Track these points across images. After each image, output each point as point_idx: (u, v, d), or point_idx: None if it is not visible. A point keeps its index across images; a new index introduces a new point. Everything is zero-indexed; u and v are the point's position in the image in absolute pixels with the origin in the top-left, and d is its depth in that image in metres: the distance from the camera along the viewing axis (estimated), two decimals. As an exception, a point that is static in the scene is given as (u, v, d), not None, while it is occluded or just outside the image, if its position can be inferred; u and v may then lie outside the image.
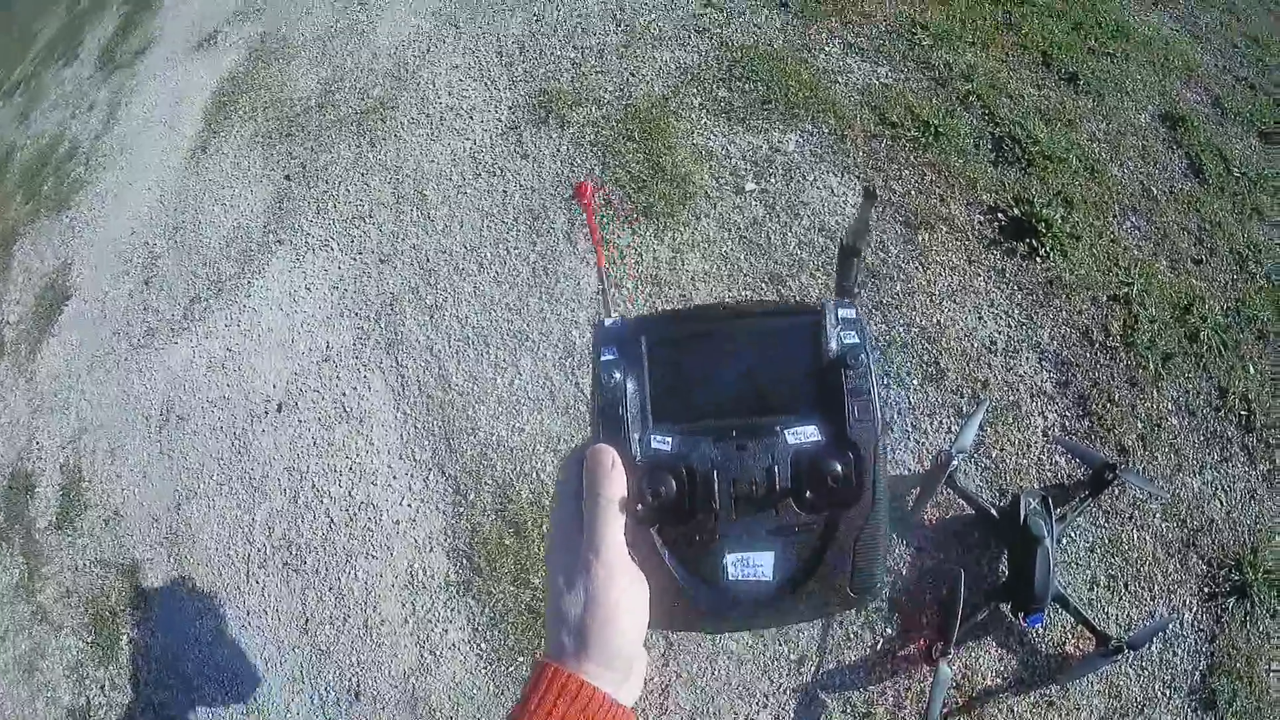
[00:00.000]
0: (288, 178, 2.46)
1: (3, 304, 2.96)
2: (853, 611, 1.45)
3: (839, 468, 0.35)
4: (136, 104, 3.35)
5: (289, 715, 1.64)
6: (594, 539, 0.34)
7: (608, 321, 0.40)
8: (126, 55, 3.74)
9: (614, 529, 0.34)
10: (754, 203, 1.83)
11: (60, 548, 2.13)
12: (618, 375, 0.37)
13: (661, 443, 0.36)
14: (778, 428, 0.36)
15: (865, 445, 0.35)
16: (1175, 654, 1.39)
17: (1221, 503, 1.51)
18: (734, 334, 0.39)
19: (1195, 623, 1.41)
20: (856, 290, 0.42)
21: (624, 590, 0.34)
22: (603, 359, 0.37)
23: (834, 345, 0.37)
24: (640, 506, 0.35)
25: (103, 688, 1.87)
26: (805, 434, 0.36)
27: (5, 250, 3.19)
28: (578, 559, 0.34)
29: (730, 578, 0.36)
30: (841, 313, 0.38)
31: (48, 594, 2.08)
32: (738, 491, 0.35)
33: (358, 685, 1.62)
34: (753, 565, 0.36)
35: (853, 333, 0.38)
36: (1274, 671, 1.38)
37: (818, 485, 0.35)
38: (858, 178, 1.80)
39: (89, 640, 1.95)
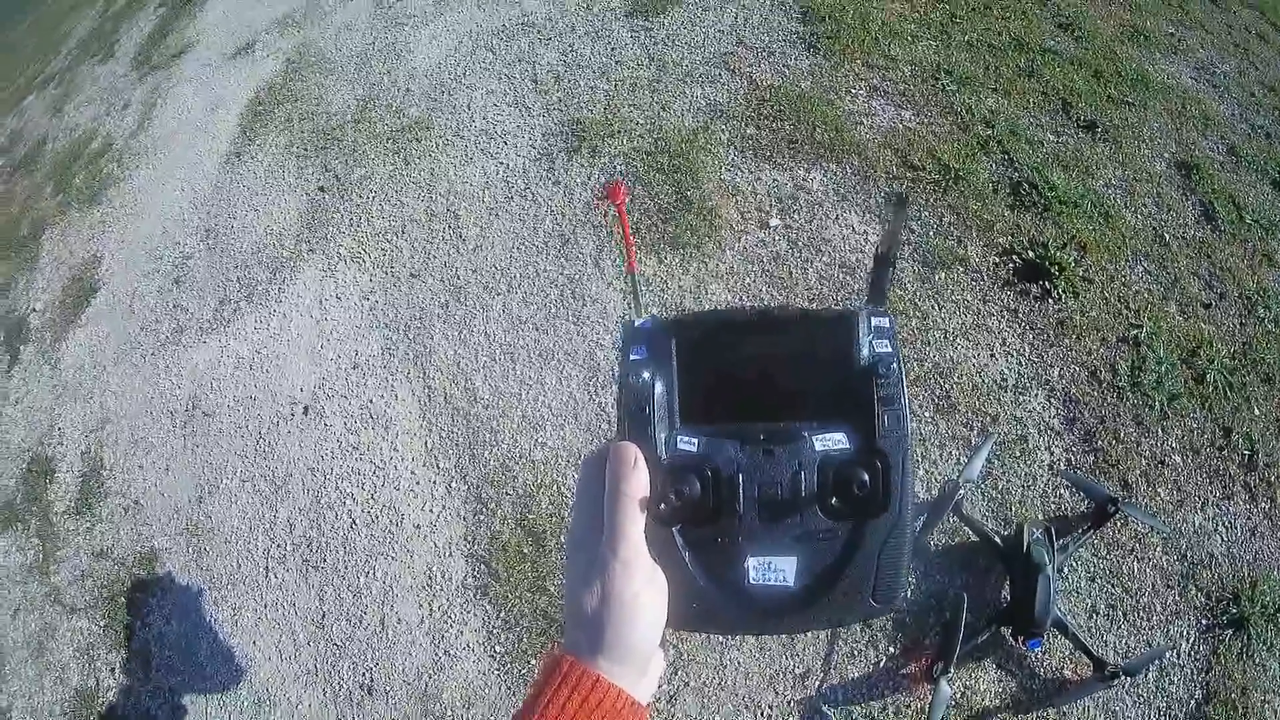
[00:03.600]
0: (322, 189, 2.76)
1: (30, 291, 3.25)
2: (858, 628, 1.64)
3: (866, 476, 0.36)
4: (172, 106, 3.71)
5: (301, 706, 1.82)
6: (613, 536, 0.36)
7: (637, 321, 0.42)
8: (163, 57, 4.14)
9: (634, 527, 0.36)
10: (778, 238, 2.06)
11: (77, 532, 2.34)
12: (645, 374, 0.39)
13: (687, 443, 0.38)
14: (806, 433, 0.38)
15: (893, 455, 0.37)
16: (1172, 682, 1.54)
17: (1222, 538, 1.68)
18: (765, 338, 0.42)
19: (1192, 653, 1.56)
20: (889, 299, 0.43)
21: (641, 588, 0.36)
22: (631, 358, 0.40)
23: (866, 353, 0.39)
24: (662, 506, 0.37)
25: (113, 670, 2.05)
26: (833, 441, 0.38)
27: (34, 238, 3.50)
28: (596, 555, 0.37)
29: (751, 581, 0.37)
30: (874, 321, 0.40)
31: (62, 576, 2.28)
32: (762, 496, 0.37)
33: (371, 680, 1.80)
34: (775, 570, 0.37)
35: (885, 341, 0.40)
36: (1268, 703, 1.55)
37: (844, 493, 0.37)
38: (879, 218, 2.06)
39: (102, 623, 2.14)
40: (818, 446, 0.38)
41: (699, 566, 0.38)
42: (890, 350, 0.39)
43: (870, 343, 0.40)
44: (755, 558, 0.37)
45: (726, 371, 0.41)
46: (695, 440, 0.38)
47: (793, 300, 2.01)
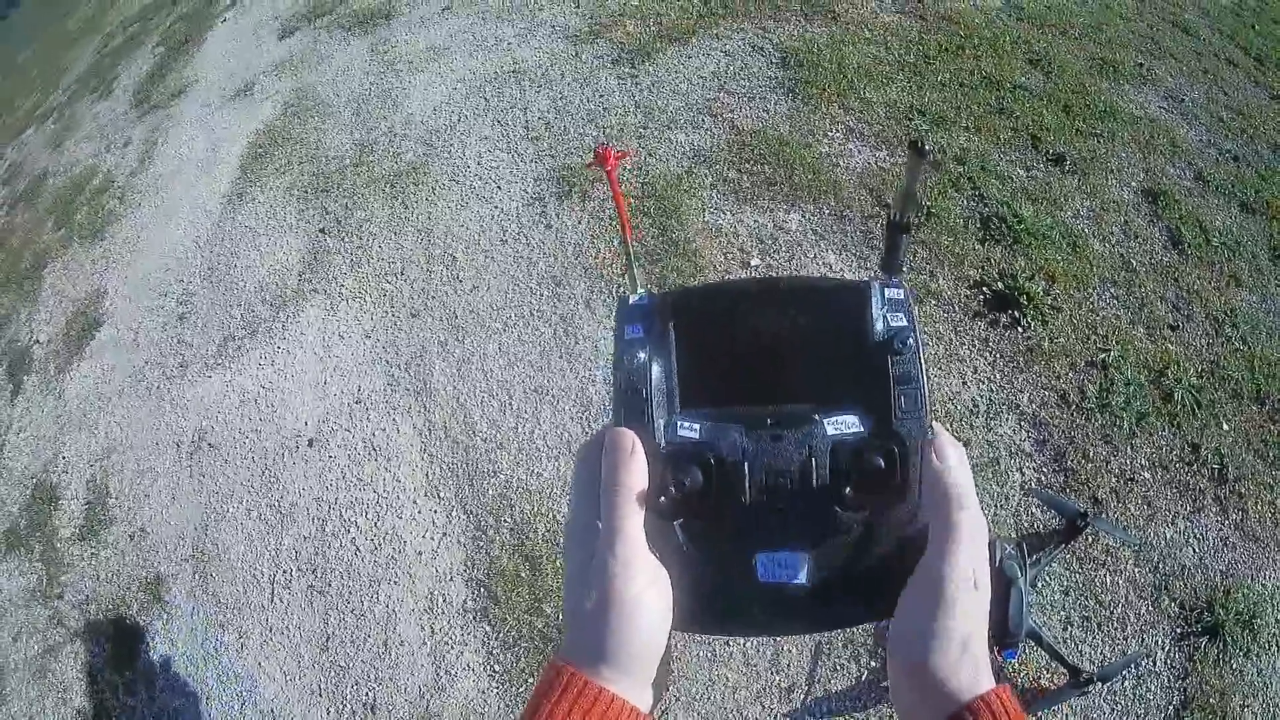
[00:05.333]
0: (323, 231, 3.07)
1: (32, 323, 3.54)
2: (841, 642, 1.85)
3: (882, 462, 0.35)
4: (172, 145, 4.07)
5: None
6: (611, 532, 0.36)
7: (633, 298, 0.41)
8: (162, 96, 4.53)
9: (633, 522, 0.36)
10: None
11: (82, 558, 2.55)
12: (642, 355, 0.38)
13: (688, 429, 0.38)
14: (816, 416, 0.37)
15: (912, 438, 0.36)
16: (1149, 689, 1.70)
17: (1194, 550, 1.85)
18: (771, 313, 0.41)
19: (1168, 660, 1.72)
20: (904, 269, 0.43)
21: (643, 589, 0.35)
22: (626, 337, 0.39)
23: (880, 328, 0.39)
24: (662, 499, 0.36)
25: (117, 691, 2.23)
26: (846, 424, 0.37)
27: (36, 271, 3.80)
28: (594, 554, 0.36)
29: (759, 579, 0.36)
30: (889, 293, 0.40)
31: (66, 600, 2.48)
32: (770, 485, 0.36)
33: (374, 700, 1.99)
34: (784, 566, 0.36)
35: (900, 315, 0.39)
36: (1248, 706, 1.71)
37: (858, 481, 0.36)
38: (855, 255, 2.33)
39: (106, 645, 2.33)
40: (829, 430, 0.37)
41: (703, 563, 0.37)
42: (906, 324, 0.39)
43: (885, 316, 0.39)
44: (763, 553, 0.37)
45: (729, 350, 0.41)
46: (697, 426, 0.38)
47: (799, 271, 2.23)
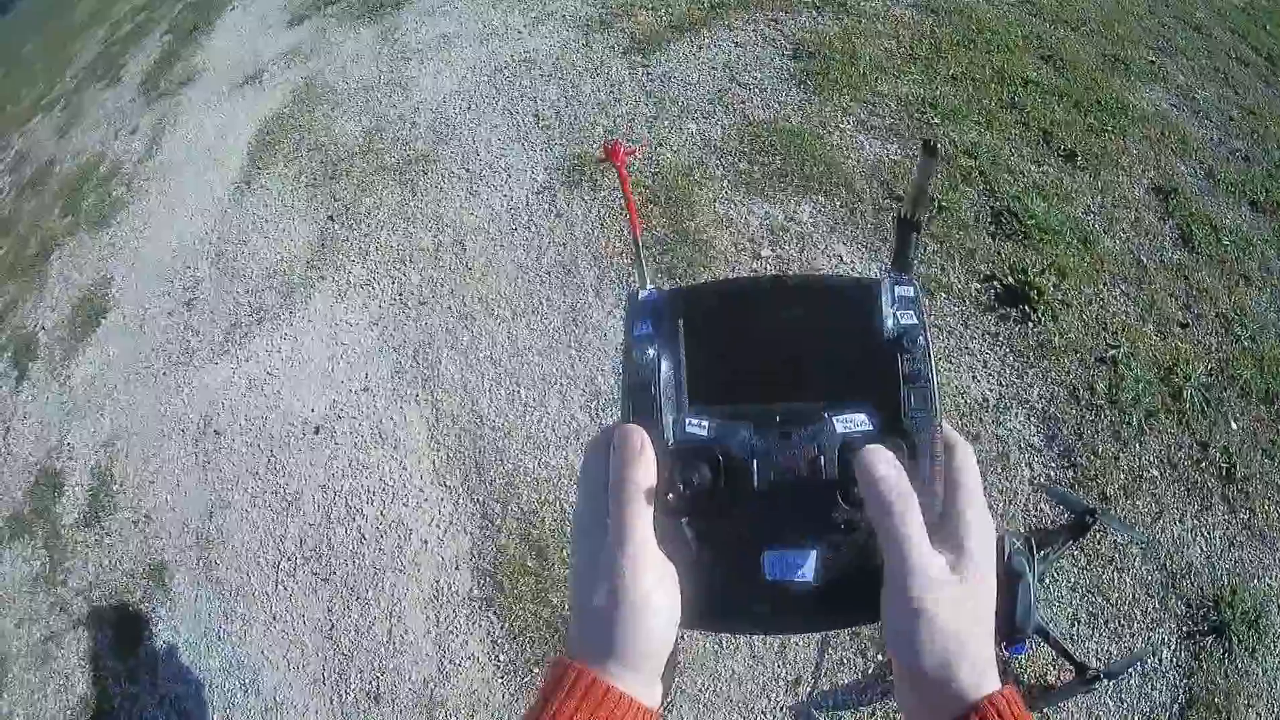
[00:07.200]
0: (331, 218, 3.03)
1: (38, 309, 3.50)
2: (848, 636, 1.83)
3: None
4: (180, 133, 4.03)
5: (308, 714, 1.97)
6: (620, 530, 0.35)
7: (642, 293, 0.41)
8: (171, 84, 4.48)
9: (642, 519, 0.35)
10: (768, 269, 2.27)
11: (86, 544, 2.52)
12: (651, 351, 0.38)
13: (697, 426, 0.38)
14: (825, 414, 0.37)
15: (921, 437, 0.36)
16: (1155, 687, 1.68)
17: (1201, 549, 1.84)
18: (780, 310, 0.41)
19: (1174, 659, 1.71)
20: (914, 266, 0.43)
21: (652, 587, 0.35)
22: (635, 333, 0.39)
23: (890, 325, 0.39)
24: (671, 496, 0.36)
25: (119, 679, 2.21)
26: (855, 422, 0.37)
27: (43, 258, 3.76)
28: (602, 550, 0.36)
29: (767, 577, 0.36)
30: (899, 290, 0.39)
31: (69, 587, 2.45)
32: (778, 483, 0.36)
33: (378, 689, 1.96)
34: (792, 564, 0.36)
35: (911, 313, 0.39)
36: (1252, 706, 1.70)
37: None
38: (866, 247, 2.29)
39: (109, 632, 2.31)
40: (838, 428, 0.37)
41: (710, 561, 0.37)
42: (916, 322, 0.39)
43: (895, 314, 0.39)
44: (771, 551, 0.36)
45: (738, 347, 0.41)
46: (705, 423, 0.38)
47: (809, 269, 2.21)
